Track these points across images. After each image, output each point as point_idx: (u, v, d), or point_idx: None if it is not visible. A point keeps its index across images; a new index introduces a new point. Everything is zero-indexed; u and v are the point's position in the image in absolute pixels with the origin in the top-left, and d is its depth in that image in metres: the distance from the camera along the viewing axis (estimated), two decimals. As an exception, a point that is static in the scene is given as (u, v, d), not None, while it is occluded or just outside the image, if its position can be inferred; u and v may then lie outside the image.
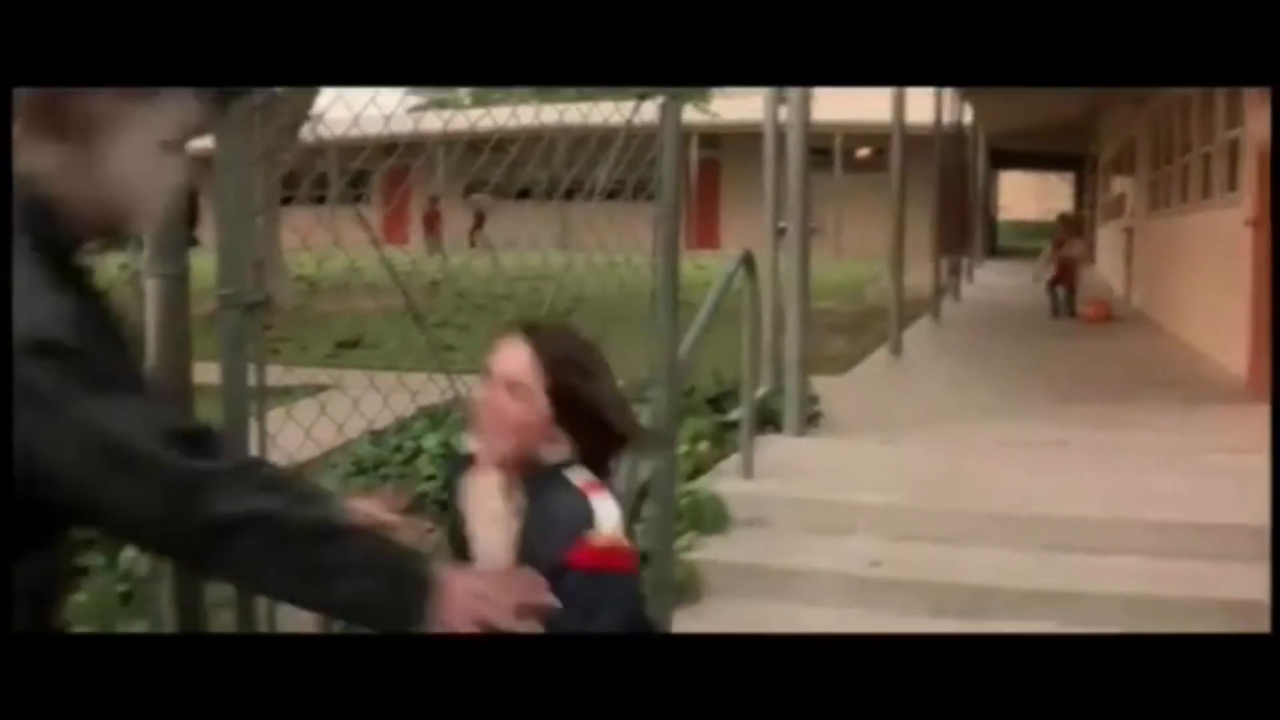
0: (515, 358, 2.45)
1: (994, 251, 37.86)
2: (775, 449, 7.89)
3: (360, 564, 2.04)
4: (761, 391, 8.38)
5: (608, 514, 2.37)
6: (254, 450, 3.11)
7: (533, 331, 2.52)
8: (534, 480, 2.43)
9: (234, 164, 2.99)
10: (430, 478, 8.09)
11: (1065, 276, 18.60)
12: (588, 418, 2.45)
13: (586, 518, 2.35)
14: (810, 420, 8.78)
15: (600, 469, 2.49)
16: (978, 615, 5.89)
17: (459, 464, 2.64)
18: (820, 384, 9.65)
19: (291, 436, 3.81)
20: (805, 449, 8.16)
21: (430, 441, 8.57)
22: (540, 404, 2.42)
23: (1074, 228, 20.67)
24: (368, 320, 13.03)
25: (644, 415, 4.69)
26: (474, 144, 5.92)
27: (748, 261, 7.26)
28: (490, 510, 2.49)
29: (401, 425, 8.72)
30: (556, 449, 2.45)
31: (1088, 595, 5.85)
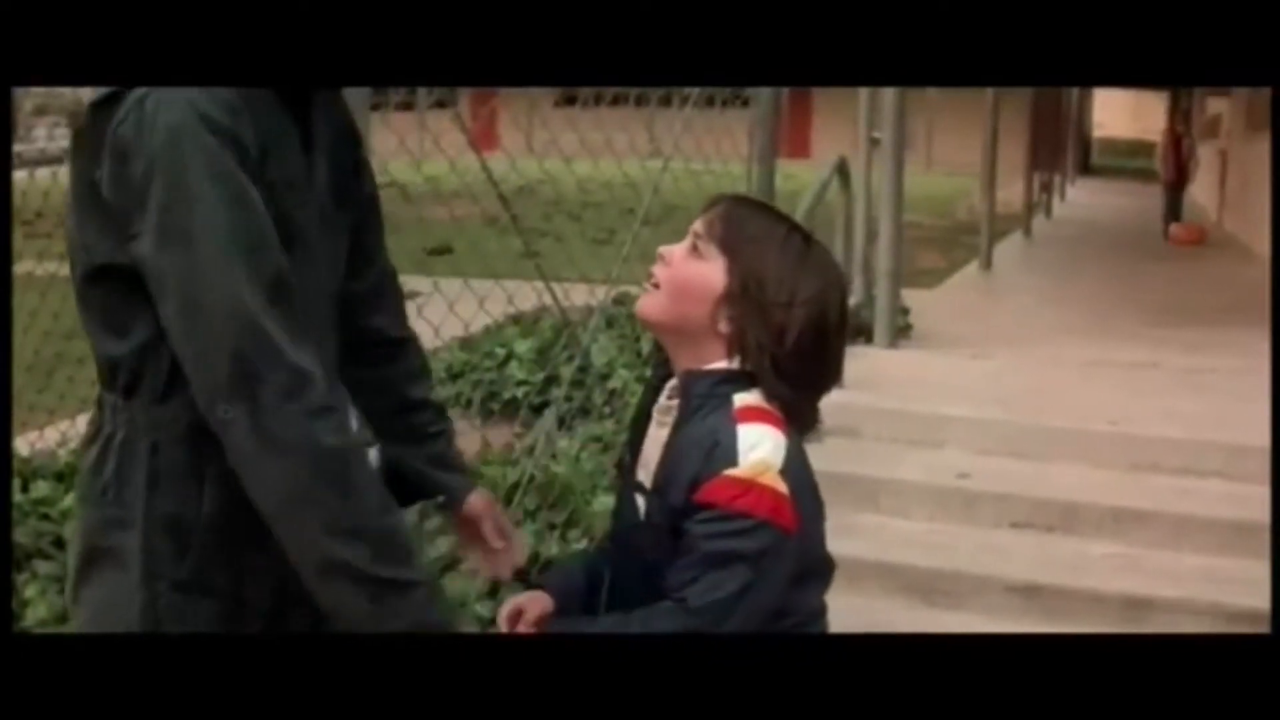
0: (707, 215, 2.07)
1: (1087, 169, 37.31)
2: (865, 360, 7.91)
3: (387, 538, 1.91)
4: (852, 302, 8.38)
5: (757, 446, 1.94)
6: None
7: (741, 200, 2.14)
8: (693, 391, 2.02)
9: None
10: (521, 383, 8.20)
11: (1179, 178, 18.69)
12: (770, 323, 2.00)
13: (726, 447, 1.93)
14: (901, 332, 8.80)
15: (791, 409, 2.03)
16: (1062, 531, 5.95)
17: (664, 364, 2.18)
18: (911, 297, 9.64)
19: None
20: (895, 361, 8.18)
21: (523, 347, 8.66)
22: (715, 275, 2.02)
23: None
24: (449, 227, 13.10)
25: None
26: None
27: (842, 169, 7.21)
28: (655, 420, 2.13)
29: (490, 332, 8.82)
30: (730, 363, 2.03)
31: (1171, 515, 5.86)
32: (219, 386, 1.86)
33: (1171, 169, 19.09)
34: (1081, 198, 25.95)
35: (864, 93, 9.40)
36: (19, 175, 6.46)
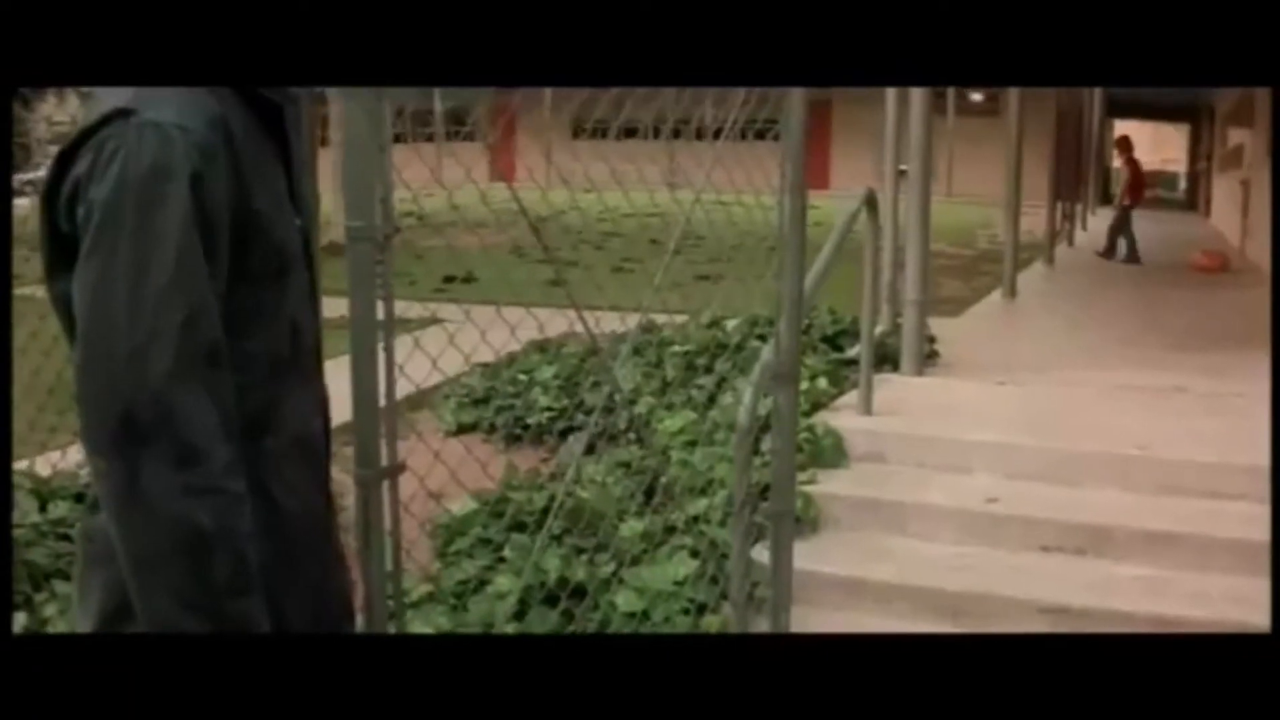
0: None
1: (1108, 199, 37.25)
2: (892, 387, 7.91)
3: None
4: (879, 330, 8.39)
5: None
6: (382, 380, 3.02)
7: None
8: None
9: (363, 92, 2.68)
10: (546, 409, 8.22)
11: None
12: None
13: None
14: (927, 360, 8.79)
15: None
16: (1091, 553, 5.93)
17: None
18: (936, 325, 9.62)
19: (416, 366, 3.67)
20: (922, 388, 8.17)
21: (546, 373, 8.70)
22: None
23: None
24: (469, 256, 13.15)
25: (766, 351, 4.74)
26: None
27: (870, 201, 7.28)
28: None
29: (512, 359, 8.84)
30: None
31: (1199, 537, 5.84)
32: (100, 441, 1.84)
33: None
34: (1103, 226, 25.86)
35: (890, 126, 9.44)
36: (23, 203, 6.50)
